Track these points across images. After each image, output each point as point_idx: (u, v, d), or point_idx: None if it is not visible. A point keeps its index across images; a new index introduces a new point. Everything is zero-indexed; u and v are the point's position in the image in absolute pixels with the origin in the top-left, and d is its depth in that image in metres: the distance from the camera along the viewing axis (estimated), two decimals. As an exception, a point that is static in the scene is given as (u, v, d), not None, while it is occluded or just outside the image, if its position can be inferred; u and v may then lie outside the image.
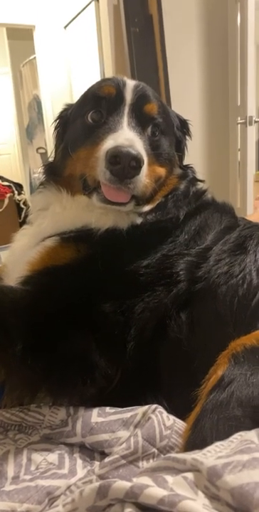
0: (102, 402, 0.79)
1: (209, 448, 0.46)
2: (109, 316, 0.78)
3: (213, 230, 0.89)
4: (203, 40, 3.39)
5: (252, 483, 0.34)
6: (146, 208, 0.89)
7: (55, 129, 0.99)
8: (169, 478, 0.39)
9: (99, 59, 3.85)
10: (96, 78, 3.96)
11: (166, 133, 0.92)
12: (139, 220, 0.87)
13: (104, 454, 0.73)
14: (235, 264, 0.84)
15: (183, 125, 0.99)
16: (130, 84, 0.89)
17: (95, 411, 0.77)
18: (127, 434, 0.72)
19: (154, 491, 0.37)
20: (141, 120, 0.86)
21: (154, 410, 0.73)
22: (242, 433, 0.51)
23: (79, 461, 0.71)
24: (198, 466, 0.39)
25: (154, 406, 0.74)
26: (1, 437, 0.78)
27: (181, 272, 0.82)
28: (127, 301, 0.80)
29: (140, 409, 0.75)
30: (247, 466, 0.36)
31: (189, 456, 0.42)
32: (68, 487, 0.65)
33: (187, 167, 1.00)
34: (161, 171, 0.90)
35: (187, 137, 1.00)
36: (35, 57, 4.59)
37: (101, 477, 0.64)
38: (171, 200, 0.91)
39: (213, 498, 0.36)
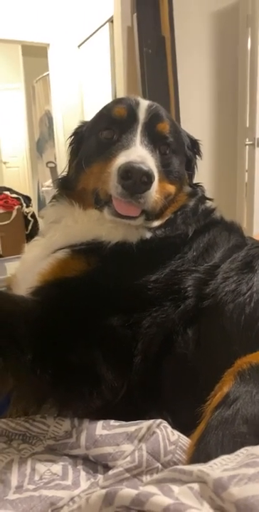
0: (106, 415, 0.79)
1: (215, 461, 0.46)
2: (116, 329, 0.79)
3: (222, 247, 0.91)
4: (214, 62, 3.45)
5: (258, 495, 0.34)
6: (156, 223, 0.91)
7: (70, 144, 1.02)
8: (175, 488, 0.39)
9: (111, 78, 3.93)
10: (107, 97, 4.05)
11: (177, 152, 0.95)
12: (148, 235, 0.88)
13: (107, 467, 0.73)
14: (243, 283, 0.85)
15: (194, 145, 1.02)
16: (144, 103, 0.92)
17: (100, 423, 0.77)
18: (131, 447, 0.72)
19: (160, 499, 0.37)
20: (153, 139, 0.89)
21: (158, 425, 0.73)
22: (248, 447, 0.51)
23: (82, 473, 0.71)
24: (205, 478, 0.39)
25: (158, 420, 0.75)
26: (4, 446, 0.78)
27: (189, 288, 0.83)
28: (134, 315, 0.81)
29: (145, 424, 0.75)
30: (253, 479, 0.37)
31: (195, 467, 0.42)
32: (71, 498, 0.65)
33: (197, 185, 1.02)
34: (171, 188, 0.92)
35: (197, 157, 1.03)
36: (48, 74, 4.70)
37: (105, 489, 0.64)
38: (180, 216, 0.93)
39: (217, 509, 0.36)
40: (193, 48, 3.40)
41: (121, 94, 3.61)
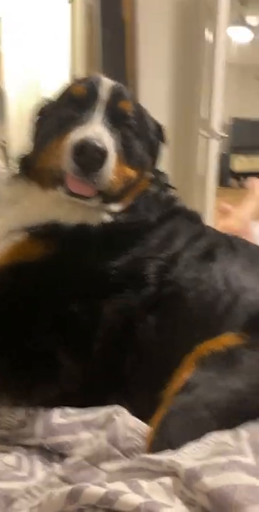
0: (63, 403, 0.77)
1: (185, 449, 0.46)
2: (77, 316, 0.77)
3: (183, 236, 0.90)
4: (175, 51, 3.45)
5: (232, 485, 0.34)
6: (116, 207, 0.88)
7: (32, 122, 0.97)
8: (144, 484, 0.38)
9: (70, 56, 3.81)
10: (65, 76, 3.92)
11: (140, 135, 0.92)
12: (109, 219, 0.86)
13: (63, 456, 0.71)
14: (204, 271, 0.85)
15: (159, 130, 1.00)
16: (107, 82, 0.89)
17: (56, 412, 0.74)
18: (89, 435, 0.71)
19: (130, 498, 0.35)
20: (114, 118, 0.86)
21: (117, 412, 0.72)
22: (216, 435, 0.51)
23: (38, 463, 0.69)
24: (176, 468, 0.39)
25: (116, 407, 0.74)
26: None
27: (151, 276, 0.82)
28: (95, 302, 0.79)
29: (103, 411, 0.74)
30: (226, 468, 0.37)
31: (165, 457, 0.41)
32: (28, 490, 0.62)
33: (159, 172, 1.00)
34: (132, 172, 0.90)
35: (162, 142, 1.01)
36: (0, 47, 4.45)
37: (63, 479, 0.62)
38: (142, 202, 0.91)
39: (188, 503, 0.36)
40: (155, 35, 3.38)
41: (79, 73, 3.52)
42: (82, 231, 0.83)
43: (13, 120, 4.45)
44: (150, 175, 0.96)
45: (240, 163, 9.47)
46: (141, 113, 0.94)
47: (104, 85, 0.87)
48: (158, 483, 0.38)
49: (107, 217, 0.86)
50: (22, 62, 4.37)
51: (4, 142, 4.13)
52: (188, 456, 0.43)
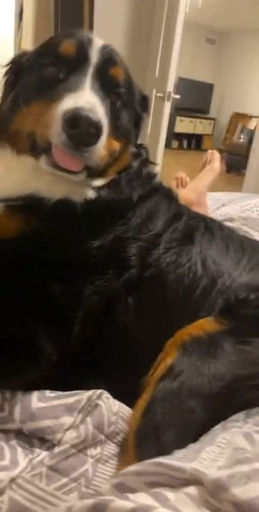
0: (41, 385, 0.75)
1: (202, 455, 0.47)
2: (57, 298, 0.73)
3: (163, 216, 0.89)
4: (132, 6, 3.28)
5: (260, 495, 0.35)
6: (99, 182, 0.84)
7: (5, 75, 0.85)
8: (170, 495, 0.38)
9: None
10: (8, 18, 3.54)
11: (128, 105, 0.87)
12: (92, 195, 0.81)
13: (43, 440, 0.70)
14: (183, 254, 0.85)
15: (144, 101, 0.95)
16: (98, 43, 0.80)
17: (35, 395, 0.72)
18: (71, 419, 0.70)
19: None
20: (105, 85, 0.79)
21: (100, 396, 0.72)
22: (226, 436, 0.53)
23: (19, 450, 0.67)
24: (200, 477, 0.40)
25: (99, 391, 0.73)
26: None
27: (133, 257, 0.80)
28: (76, 283, 0.76)
29: (84, 394, 0.73)
30: (252, 477, 0.38)
31: (188, 465, 0.42)
32: (12, 479, 0.60)
33: (141, 146, 0.96)
34: (117, 145, 0.85)
35: (145, 114, 0.96)
36: None
37: (51, 468, 0.62)
38: (124, 178, 0.87)
39: (215, 512, 0.37)
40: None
41: (28, 9, 3.21)
42: (64, 207, 0.77)
43: None
44: (133, 148, 0.92)
45: (182, 124, 9.55)
46: (130, 80, 0.88)
47: (95, 46, 0.79)
48: (184, 493, 0.39)
49: (90, 193, 0.81)
50: None
51: None
52: (209, 463, 0.44)
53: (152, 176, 0.95)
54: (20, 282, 0.71)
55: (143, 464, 0.46)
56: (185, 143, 9.85)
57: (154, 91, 3.60)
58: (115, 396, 0.75)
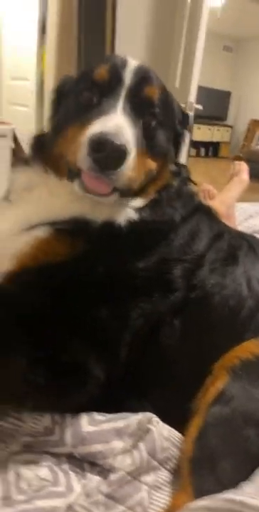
0: (88, 406, 0.75)
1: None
2: (105, 321, 0.73)
3: (205, 236, 0.89)
4: (153, 16, 3.31)
5: None
6: (139, 202, 0.84)
7: (52, 100, 0.87)
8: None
9: (39, 7, 3.53)
10: (32, 28, 3.62)
11: (165, 124, 0.87)
12: (135, 216, 0.81)
13: (94, 464, 0.70)
14: (227, 275, 0.85)
15: (185, 119, 0.95)
16: (132, 64, 0.81)
17: (85, 419, 0.72)
18: (121, 444, 0.70)
19: None
20: (138, 105, 0.79)
21: (149, 420, 0.72)
22: None
23: (72, 475, 0.67)
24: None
25: (148, 415, 0.73)
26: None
27: (178, 280, 0.80)
28: (122, 306, 0.75)
29: (133, 418, 0.73)
30: None
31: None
32: (69, 506, 0.60)
33: (181, 165, 0.96)
34: (153, 164, 0.85)
35: (186, 132, 0.96)
36: None
37: (108, 496, 0.62)
38: (165, 197, 0.87)
39: None
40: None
41: (52, 25, 3.27)
42: (109, 229, 0.78)
43: None
44: (172, 167, 0.92)
45: (200, 132, 9.53)
46: (167, 99, 0.88)
47: (128, 68, 0.80)
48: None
49: (132, 214, 0.81)
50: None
51: None
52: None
53: (192, 194, 0.94)
54: (68, 306, 0.71)
55: (213, 500, 0.46)
56: (202, 151, 9.84)
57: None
58: (161, 418, 0.75)
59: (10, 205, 0.84)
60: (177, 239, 0.84)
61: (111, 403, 0.77)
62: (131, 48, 3.33)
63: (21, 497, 0.61)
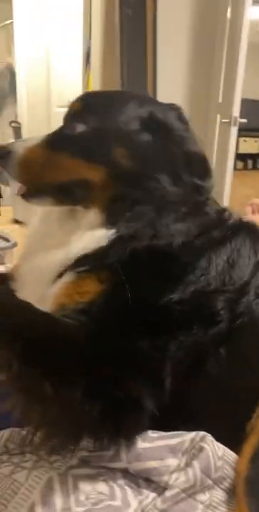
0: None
1: None
2: (148, 353, 0.73)
3: (249, 260, 0.85)
4: (193, 32, 3.36)
5: None
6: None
7: None
8: None
9: (83, 34, 3.69)
10: (77, 54, 3.80)
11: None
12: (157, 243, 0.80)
13: (149, 481, 0.71)
14: None
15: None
16: None
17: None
18: (176, 461, 0.70)
19: None
20: None
21: (203, 438, 0.72)
22: None
23: (128, 490, 0.69)
24: None
25: (202, 433, 0.73)
26: (36, 459, 0.73)
27: (221, 312, 0.78)
28: (161, 338, 0.74)
29: (187, 436, 0.73)
30: None
31: None
32: (126, 521, 0.62)
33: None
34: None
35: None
36: (11, 23, 4.29)
37: (163, 512, 0.62)
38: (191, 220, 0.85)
39: None
40: (173, 15, 3.29)
41: (96, 51, 3.41)
42: (131, 257, 0.78)
43: (22, 99, 4.35)
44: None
45: (246, 144, 9.37)
46: None
47: None
48: None
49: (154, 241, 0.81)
50: (32, 37, 4.24)
51: (18, 123, 4.04)
52: None
53: (222, 212, 0.93)
54: (115, 341, 0.72)
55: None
56: (250, 163, 9.66)
57: (219, 116, 3.60)
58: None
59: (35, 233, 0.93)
60: (212, 267, 0.81)
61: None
62: (172, 65, 3.39)
63: (80, 509, 0.63)
